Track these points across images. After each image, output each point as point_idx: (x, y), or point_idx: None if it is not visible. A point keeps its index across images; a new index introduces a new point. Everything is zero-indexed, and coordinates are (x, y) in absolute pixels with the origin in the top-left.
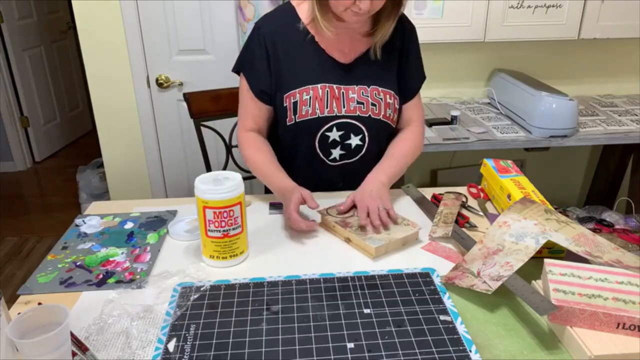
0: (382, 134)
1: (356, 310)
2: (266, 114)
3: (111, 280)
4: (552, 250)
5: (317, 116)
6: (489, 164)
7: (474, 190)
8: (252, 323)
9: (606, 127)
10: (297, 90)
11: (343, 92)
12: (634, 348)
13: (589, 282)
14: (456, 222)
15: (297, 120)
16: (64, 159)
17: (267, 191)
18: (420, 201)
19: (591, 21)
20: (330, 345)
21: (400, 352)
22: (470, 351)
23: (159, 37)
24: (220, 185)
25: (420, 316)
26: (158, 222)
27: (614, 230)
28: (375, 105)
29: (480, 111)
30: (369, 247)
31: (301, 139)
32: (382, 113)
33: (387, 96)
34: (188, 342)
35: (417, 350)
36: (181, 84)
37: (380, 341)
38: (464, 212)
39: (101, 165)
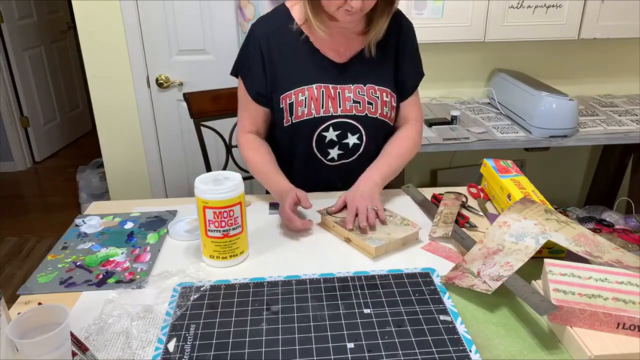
0: (380, 133)
1: (356, 310)
2: (264, 115)
3: (111, 280)
4: (552, 250)
5: (313, 116)
6: (489, 164)
7: (474, 190)
8: (252, 323)
9: (606, 127)
10: (292, 91)
11: (339, 92)
12: (634, 348)
13: (589, 282)
14: (456, 222)
15: (293, 121)
16: (64, 159)
17: (267, 191)
18: (420, 201)
19: (591, 21)
20: (330, 345)
21: (400, 352)
22: (470, 351)
23: (159, 37)
24: (220, 185)
25: (420, 316)
26: (158, 222)
27: (614, 230)
28: (371, 103)
29: (480, 111)
30: (369, 247)
31: (298, 139)
32: (379, 112)
33: (384, 94)
34: (188, 342)
35: (417, 350)
36: (181, 84)
37: (380, 341)
38: (464, 212)
39: (101, 165)
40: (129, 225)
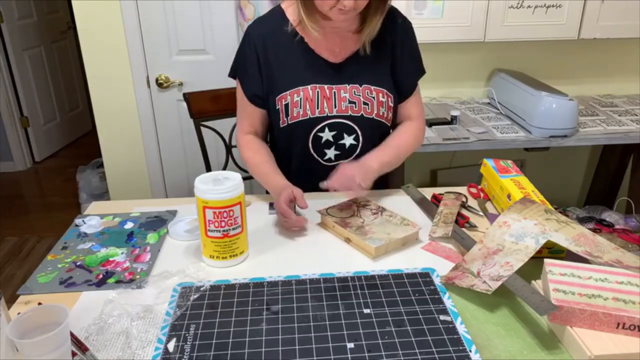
0: (376, 133)
1: (356, 310)
2: (261, 117)
3: (111, 280)
4: (552, 250)
5: (308, 117)
6: (488, 164)
7: (474, 190)
8: (252, 323)
9: (606, 127)
10: (287, 92)
11: (334, 92)
12: (634, 348)
13: (589, 282)
14: (456, 222)
15: (289, 122)
16: (64, 159)
17: (267, 191)
18: (420, 201)
19: (591, 21)
20: (330, 345)
21: (400, 352)
22: (470, 351)
23: (159, 37)
24: (220, 185)
25: (420, 316)
26: (158, 222)
27: (614, 230)
28: (367, 104)
29: (480, 111)
30: (369, 247)
31: (295, 140)
32: (375, 112)
33: (380, 94)
34: (188, 342)
35: (417, 350)
36: (181, 84)
37: (380, 341)
38: (464, 212)
39: (101, 165)
40: (129, 225)
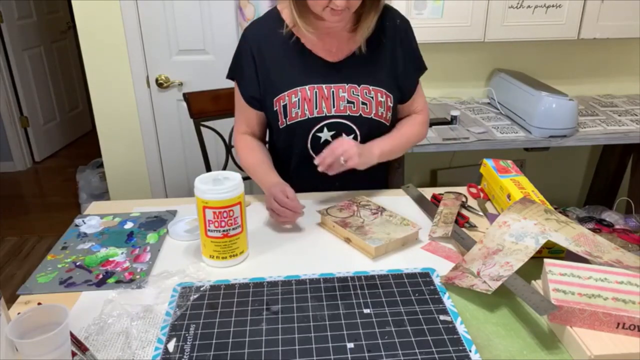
0: (375, 133)
1: (356, 310)
2: (258, 118)
3: (111, 280)
4: (552, 250)
5: (306, 117)
6: (488, 164)
7: (473, 190)
8: (252, 323)
9: (606, 127)
10: (285, 93)
11: (333, 91)
12: (634, 348)
13: (588, 282)
14: (456, 222)
15: (288, 123)
16: (64, 159)
17: None
18: (420, 201)
19: (591, 21)
20: (330, 345)
21: (400, 352)
22: (470, 351)
23: (159, 37)
24: (220, 185)
25: (420, 316)
26: (158, 222)
27: (613, 230)
28: (366, 104)
29: (480, 111)
30: (369, 247)
31: (293, 141)
32: (374, 112)
33: (379, 94)
34: (188, 342)
35: (417, 350)
36: (181, 84)
37: (380, 341)
38: (464, 212)
39: (101, 165)
40: (129, 225)
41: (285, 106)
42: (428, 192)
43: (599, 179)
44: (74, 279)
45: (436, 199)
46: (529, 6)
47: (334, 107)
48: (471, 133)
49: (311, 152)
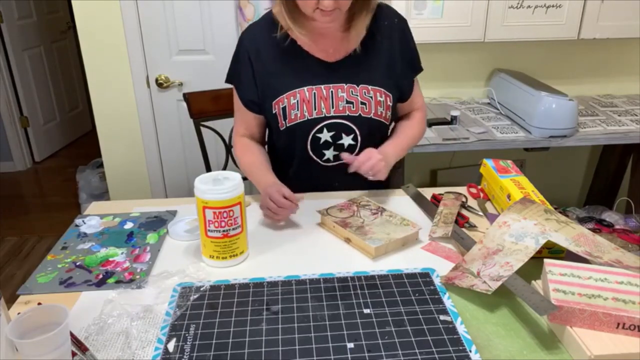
0: (375, 133)
1: (356, 310)
2: (257, 121)
3: (111, 280)
4: (552, 250)
5: (306, 119)
6: (488, 164)
7: (473, 190)
8: (252, 323)
9: (606, 127)
10: (284, 95)
11: (332, 92)
12: (634, 348)
13: (588, 282)
14: (456, 222)
15: (287, 125)
16: (64, 159)
17: None
18: (420, 201)
19: (591, 21)
20: (330, 345)
21: (400, 352)
22: (470, 351)
23: (159, 37)
24: (220, 185)
25: (420, 316)
26: (158, 222)
27: (613, 230)
28: (365, 104)
29: (480, 111)
30: (369, 247)
31: (294, 142)
32: (373, 111)
33: (378, 94)
34: (188, 342)
35: (417, 350)
36: (181, 84)
37: (380, 341)
38: (464, 212)
39: (101, 165)
40: (129, 226)
41: (284, 108)
42: (428, 192)
43: (599, 179)
44: (74, 279)
45: (436, 199)
46: (529, 6)
47: (332, 107)
48: (471, 133)
49: (311, 153)
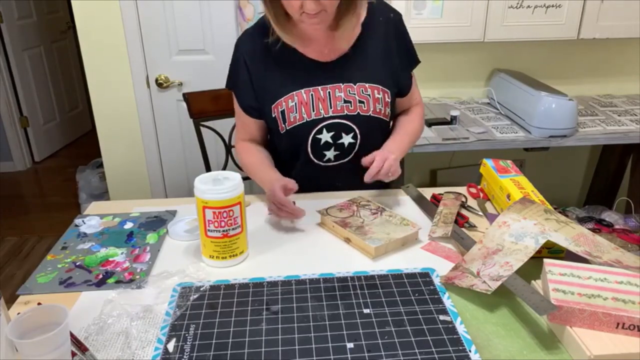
0: (374, 130)
1: (356, 310)
2: (258, 126)
3: (111, 281)
4: (552, 250)
5: (305, 120)
6: (488, 164)
7: (473, 190)
8: (252, 323)
9: (605, 127)
10: (282, 99)
11: (329, 92)
12: (634, 348)
13: (588, 282)
14: (456, 222)
15: (287, 128)
16: (64, 159)
17: None
18: (420, 201)
19: (591, 21)
20: (330, 345)
21: (399, 352)
22: (470, 351)
23: (159, 37)
24: (219, 185)
25: (420, 316)
26: (158, 222)
27: (613, 230)
28: (363, 102)
29: (480, 111)
30: (369, 247)
31: (294, 144)
32: (372, 109)
33: (375, 91)
34: (188, 342)
35: (416, 350)
36: (181, 84)
37: (379, 341)
38: (464, 212)
39: (101, 165)
40: (129, 226)
41: (283, 112)
42: (428, 192)
43: (598, 179)
44: (73, 279)
45: (436, 199)
46: (528, 6)
47: (330, 107)
48: (471, 133)
49: (312, 154)
